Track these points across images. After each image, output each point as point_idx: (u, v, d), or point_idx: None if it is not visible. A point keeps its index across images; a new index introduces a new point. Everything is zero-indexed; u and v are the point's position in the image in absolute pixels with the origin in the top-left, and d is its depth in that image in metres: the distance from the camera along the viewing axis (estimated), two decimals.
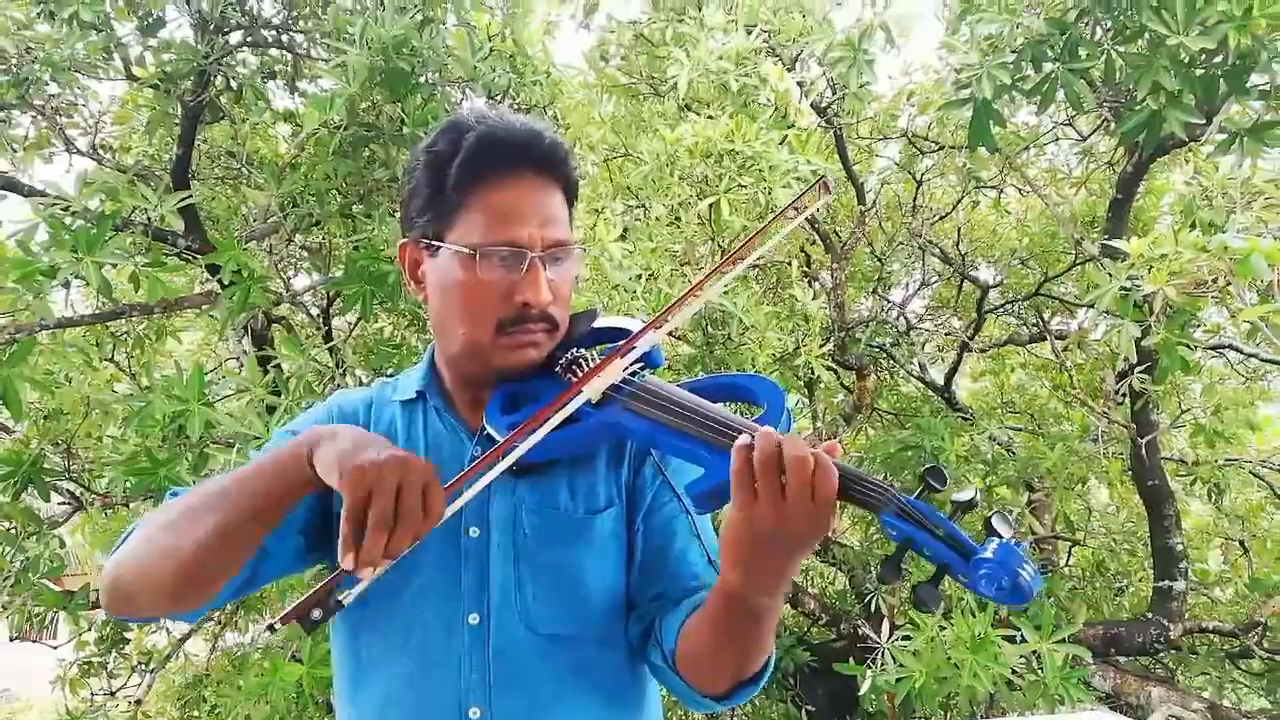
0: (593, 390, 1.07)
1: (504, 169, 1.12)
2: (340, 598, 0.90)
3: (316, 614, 0.88)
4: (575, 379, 1.12)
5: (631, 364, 1.11)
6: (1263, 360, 5.10)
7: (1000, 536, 0.85)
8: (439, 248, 1.15)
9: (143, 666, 4.29)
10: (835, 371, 5.68)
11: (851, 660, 3.34)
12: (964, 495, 0.88)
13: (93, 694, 4.25)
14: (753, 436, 0.90)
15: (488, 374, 1.17)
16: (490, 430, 1.13)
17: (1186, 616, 4.38)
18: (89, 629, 4.13)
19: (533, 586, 1.13)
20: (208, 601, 1.04)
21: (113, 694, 4.23)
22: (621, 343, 1.11)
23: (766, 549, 0.89)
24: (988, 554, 0.83)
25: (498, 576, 1.13)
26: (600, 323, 1.26)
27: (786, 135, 3.67)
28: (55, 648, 3.90)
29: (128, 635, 4.27)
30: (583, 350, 1.19)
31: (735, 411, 1.05)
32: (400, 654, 1.13)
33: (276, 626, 0.88)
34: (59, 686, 4.21)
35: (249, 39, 3.28)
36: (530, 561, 1.14)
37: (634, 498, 1.20)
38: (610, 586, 1.17)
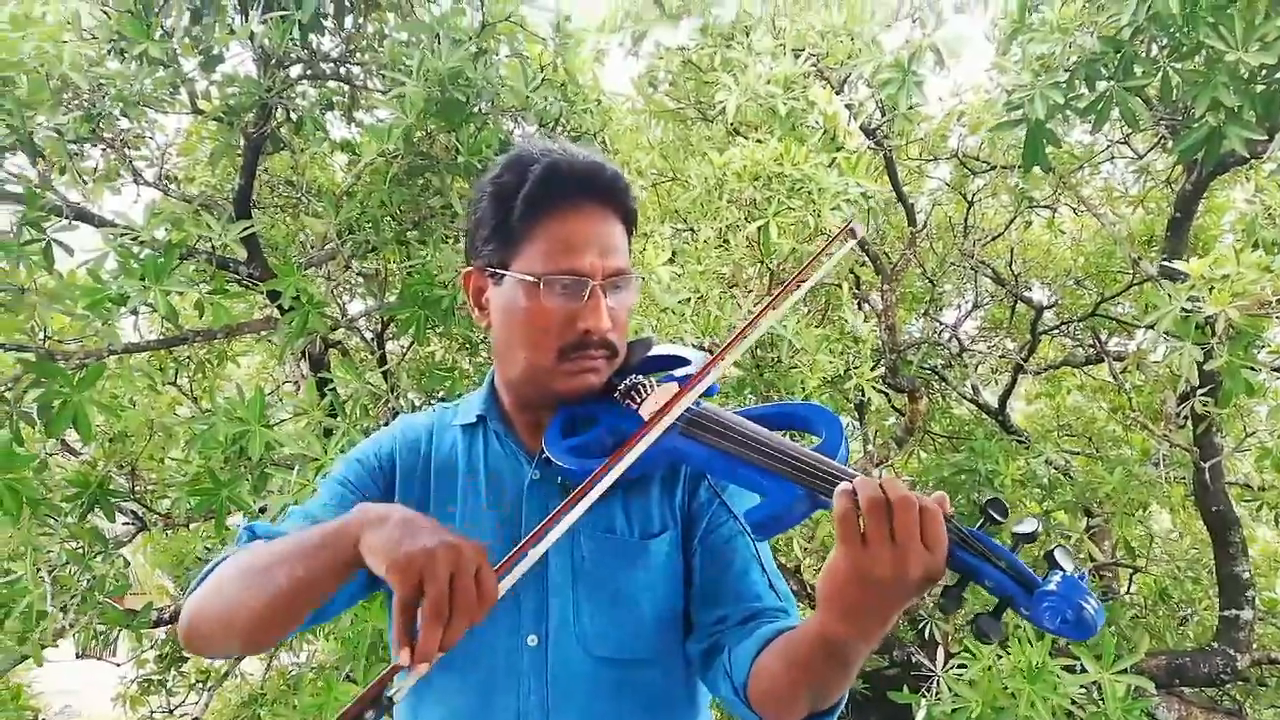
0: (669, 419, 1.07)
1: (567, 200, 1.16)
2: (392, 693, 0.86)
3: (370, 715, 0.85)
4: (634, 405, 1.15)
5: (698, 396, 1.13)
6: None
7: (1063, 569, 0.85)
8: (504, 276, 1.18)
9: (200, 685, 4.37)
10: (886, 394, 5.63)
11: (905, 689, 3.28)
12: (1025, 527, 0.88)
13: (152, 711, 4.34)
14: (852, 480, 0.89)
15: (548, 398, 1.20)
16: (549, 454, 1.15)
17: (1254, 646, 4.24)
18: (150, 647, 4.22)
19: (590, 609, 1.15)
20: (278, 642, 1.07)
21: (171, 711, 4.32)
22: (692, 377, 1.12)
23: (875, 594, 0.87)
24: (1051, 587, 0.83)
25: (556, 600, 1.16)
26: (656, 350, 1.28)
27: (835, 158, 3.67)
28: (117, 665, 3.99)
29: (186, 654, 4.36)
30: (640, 377, 1.21)
31: (791, 439, 1.06)
32: (460, 675, 1.15)
33: None
34: (120, 704, 4.31)
35: (309, 72, 3.37)
36: (587, 585, 1.16)
37: (690, 521, 1.22)
38: (665, 609, 1.18)
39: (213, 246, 2.83)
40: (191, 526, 3.76)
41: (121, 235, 2.71)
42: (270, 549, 1.04)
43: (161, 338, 3.25)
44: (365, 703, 0.86)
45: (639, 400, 1.16)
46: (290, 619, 1.02)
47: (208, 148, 3.74)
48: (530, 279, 1.14)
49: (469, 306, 1.27)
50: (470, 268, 1.25)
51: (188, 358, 4.18)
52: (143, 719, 4.37)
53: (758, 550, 1.19)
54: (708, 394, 1.17)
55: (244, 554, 1.08)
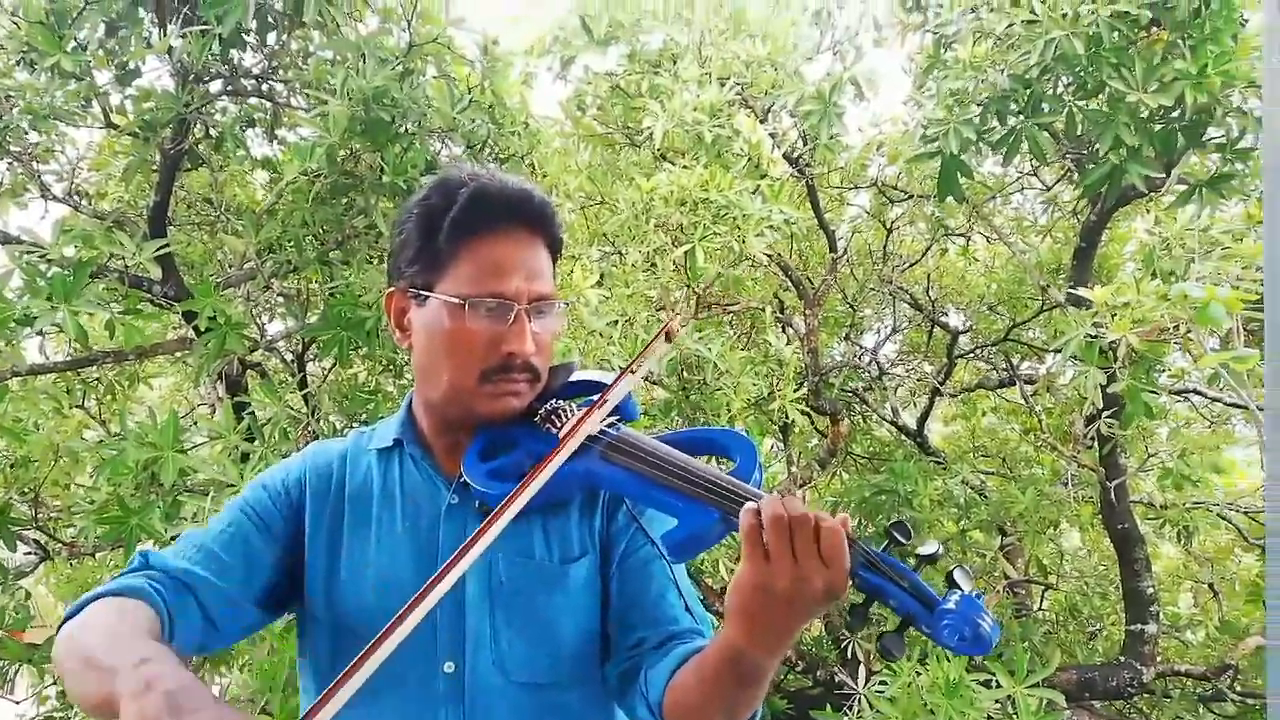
0: (576, 441, 1.09)
1: (495, 224, 1.17)
2: None
3: None
4: (554, 429, 1.15)
5: (609, 415, 1.15)
6: (1226, 404, 5.21)
7: (961, 589, 0.89)
8: (428, 297, 1.17)
9: None
10: (809, 416, 5.73)
11: (829, 707, 3.33)
12: (927, 549, 0.93)
13: None
14: (757, 501, 0.93)
15: (469, 420, 1.19)
16: (467, 477, 1.15)
17: (1159, 660, 4.42)
18: (52, 683, 4.02)
19: (508, 635, 1.15)
20: None
21: None
22: (598, 395, 1.15)
23: (777, 607, 0.91)
24: (950, 605, 0.88)
25: (474, 625, 1.15)
26: (577, 375, 1.29)
27: (759, 185, 3.74)
28: (15, 703, 3.79)
29: None
30: (561, 402, 1.22)
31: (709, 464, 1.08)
32: (374, 704, 1.12)
33: None
34: None
35: (229, 88, 3.31)
36: (506, 610, 1.16)
37: (609, 545, 1.22)
38: (584, 632, 1.19)
39: (125, 265, 2.74)
40: (98, 556, 3.61)
41: (28, 252, 2.61)
42: (94, 639, 0.98)
43: (70, 359, 3.13)
44: None
45: (559, 425, 1.16)
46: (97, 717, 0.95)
47: (121, 163, 3.63)
48: (455, 300, 1.14)
49: (390, 327, 1.27)
50: (393, 288, 1.24)
51: (96, 379, 4.02)
52: None
53: (674, 574, 1.20)
54: (628, 419, 1.19)
55: (95, 621, 1.02)
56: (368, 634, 0.92)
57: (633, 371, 1.18)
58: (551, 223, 1.22)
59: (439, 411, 1.23)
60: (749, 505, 0.93)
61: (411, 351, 1.24)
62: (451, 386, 1.17)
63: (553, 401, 1.22)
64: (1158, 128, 3.27)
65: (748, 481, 1.02)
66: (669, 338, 1.21)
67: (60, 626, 1.05)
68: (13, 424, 3.07)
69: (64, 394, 3.76)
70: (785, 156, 4.47)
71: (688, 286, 3.99)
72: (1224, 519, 5.59)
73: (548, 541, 1.20)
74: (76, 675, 0.96)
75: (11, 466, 3.59)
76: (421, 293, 1.18)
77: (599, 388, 1.25)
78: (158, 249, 2.60)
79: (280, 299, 3.43)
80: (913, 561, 0.93)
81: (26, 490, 3.47)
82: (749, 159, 4.02)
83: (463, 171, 1.21)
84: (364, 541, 1.20)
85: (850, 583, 0.91)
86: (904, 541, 0.94)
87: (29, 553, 3.67)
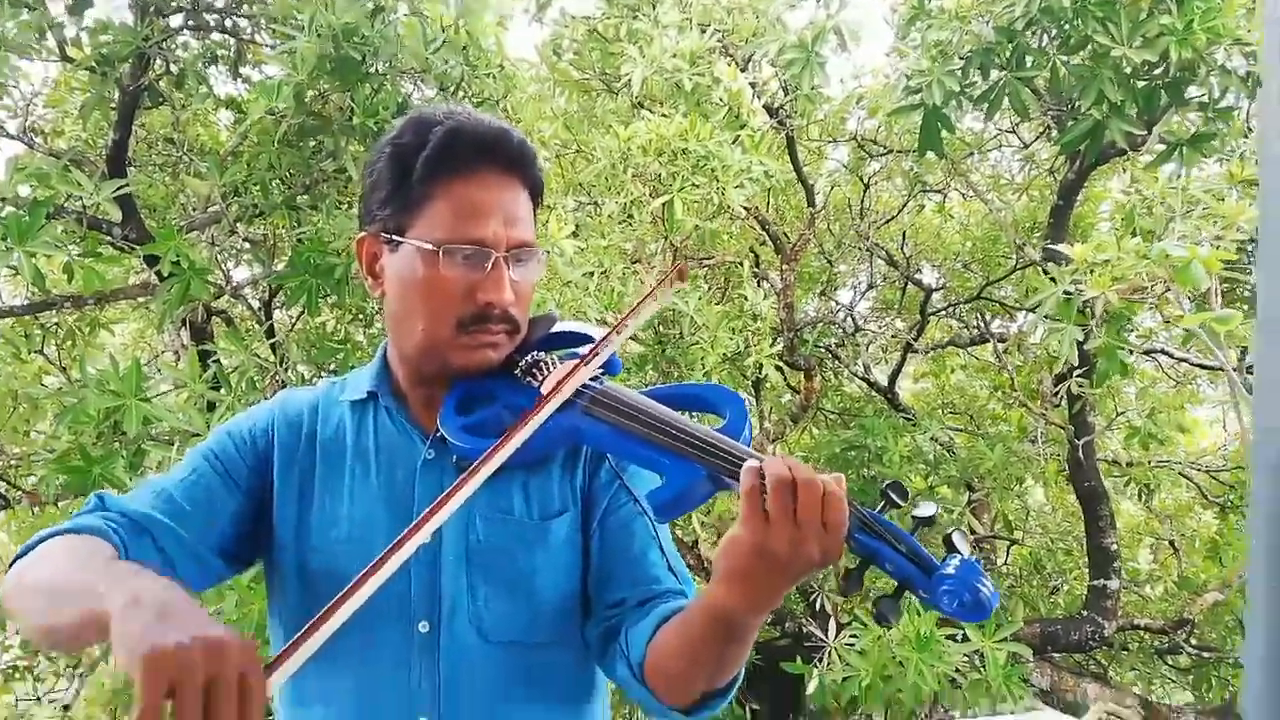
0: (562, 396, 1.04)
1: (471, 165, 1.10)
2: None
3: None
4: (535, 383, 1.10)
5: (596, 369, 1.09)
6: (1193, 365, 5.27)
7: (960, 553, 0.86)
8: (400, 243, 1.12)
9: (71, 671, 4.14)
10: (783, 371, 5.73)
11: (798, 659, 3.36)
12: (924, 511, 0.89)
13: (18, 700, 4.09)
14: (760, 459, 0.89)
15: (444, 373, 1.14)
16: (443, 432, 1.10)
17: (1119, 614, 4.51)
18: (15, 632, 3.97)
19: (485, 593, 1.11)
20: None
21: (39, 699, 4.08)
22: (587, 349, 1.09)
23: (771, 569, 0.87)
24: (949, 570, 0.85)
25: (449, 584, 1.10)
26: (559, 327, 1.23)
27: (739, 136, 3.67)
28: None
29: None
30: (542, 354, 1.16)
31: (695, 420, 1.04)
32: (346, 664, 1.09)
33: None
34: None
35: (190, 22, 3.18)
36: (483, 568, 1.11)
37: (590, 502, 1.18)
38: (564, 592, 1.15)
39: (83, 206, 2.63)
40: (60, 505, 3.54)
41: None
42: (56, 568, 0.95)
43: (28, 303, 3.03)
44: None
45: (540, 378, 1.11)
46: (67, 646, 0.94)
47: (78, 99, 3.50)
48: (429, 247, 1.08)
49: (362, 275, 1.20)
50: (364, 233, 1.18)
51: (56, 324, 3.91)
52: (7, 708, 4.12)
53: (657, 532, 1.16)
54: (611, 373, 1.14)
55: (52, 553, 0.98)
56: (338, 589, 0.87)
57: (627, 325, 1.11)
58: (532, 165, 1.16)
59: (414, 363, 1.17)
60: (751, 464, 0.88)
61: (384, 300, 1.18)
62: (426, 337, 1.11)
63: (533, 354, 1.16)
64: (1141, 84, 3.24)
65: (737, 439, 0.97)
66: (681, 277, 1.15)
67: (10, 565, 1.00)
68: None
69: (22, 339, 3.65)
70: (765, 107, 4.40)
71: (665, 239, 3.93)
72: (1185, 477, 5.70)
73: (527, 498, 1.15)
74: (39, 608, 0.92)
75: None
76: (394, 238, 1.12)
77: (581, 340, 1.20)
78: (115, 189, 2.50)
79: (246, 244, 3.33)
80: (909, 524, 0.90)
81: None
82: (729, 109, 3.95)
83: (438, 110, 1.14)
84: (336, 495, 1.15)
85: (845, 546, 0.88)
86: (900, 503, 0.90)
87: None
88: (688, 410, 1.10)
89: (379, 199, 1.14)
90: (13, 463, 3.40)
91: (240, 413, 1.28)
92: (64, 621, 0.88)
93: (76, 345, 3.92)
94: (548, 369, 1.12)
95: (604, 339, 1.10)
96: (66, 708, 4.12)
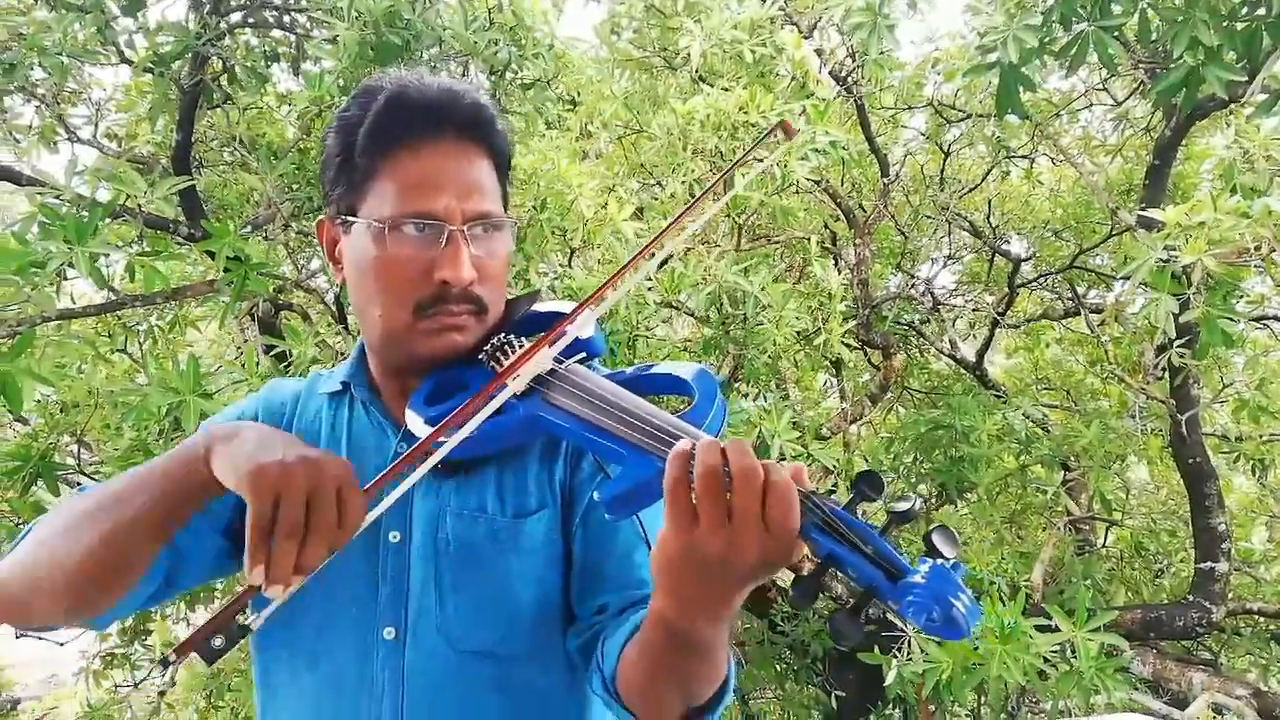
0: (520, 381, 0.94)
1: (417, 133, 1.02)
2: (246, 622, 0.78)
3: (219, 642, 0.77)
4: (498, 368, 1.01)
5: (562, 351, 0.98)
6: None
7: (941, 556, 0.70)
8: (352, 223, 1.05)
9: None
10: (865, 350, 5.54)
11: (876, 649, 3.23)
12: (902, 505, 0.73)
13: (116, 685, 4.25)
14: (692, 442, 0.75)
15: (411, 362, 1.06)
16: (410, 425, 1.01)
17: (1230, 598, 4.22)
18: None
19: (455, 598, 1.03)
20: (109, 611, 0.96)
21: (136, 685, 4.23)
22: (550, 330, 0.98)
23: (708, 577, 0.75)
24: (918, 578, 0.68)
25: (417, 587, 1.03)
26: (540, 307, 1.14)
27: (804, 106, 3.53)
28: (61, 644, 3.87)
29: (150, 626, 4.26)
30: (511, 337, 1.07)
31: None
32: (308, 673, 1.04)
33: (172, 659, 0.79)
34: (84, 679, 4.22)
35: (249, 20, 3.20)
36: (453, 570, 1.03)
37: (571, 499, 1.08)
38: (542, 598, 1.05)
39: (138, 206, 2.67)
40: None
41: (41, 194, 2.56)
42: (101, 490, 0.93)
43: (100, 303, 3.10)
44: (213, 628, 0.78)
45: (503, 363, 1.02)
46: (118, 572, 0.90)
47: (148, 102, 3.57)
48: (378, 224, 1.01)
49: (325, 262, 1.15)
50: (321, 217, 1.12)
51: (137, 324, 4.02)
52: (107, 693, 4.29)
53: (645, 530, 1.04)
54: (593, 355, 1.05)
55: (68, 503, 0.96)
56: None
57: (594, 303, 1.01)
58: (489, 128, 1.06)
59: (380, 354, 1.11)
60: (679, 448, 0.75)
61: (344, 287, 1.12)
62: (385, 324, 1.04)
63: (500, 336, 1.07)
64: (1240, 26, 2.97)
65: (699, 426, 0.85)
66: (787, 133, 1.04)
67: (14, 547, 0.97)
68: (53, 370, 3.06)
69: (102, 339, 3.76)
70: (832, 75, 4.23)
71: (729, 216, 3.82)
72: None
73: (501, 495, 1.06)
74: (85, 533, 0.89)
75: (62, 411, 3.61)
76: (346, 218, 1.05)
77: (561, 319, 1.11)
78: (171, 188, 2.52)
79: (304, 238, 3.35)
80: (884, 520, 0.74)
81: (73, 435, 3.50)
82: (793, 79, 3.80)
83: (385, 78, 1.06)
84: None
85: (804, 548, 0.74)
86: (873, 496, 0.74)
87: None
88: (658, 393, 0.98)
89: (329, 178, 1.08)
90: (94, 461, 3.52)
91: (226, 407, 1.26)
92: (132, 514, 0.87)
93: (158, 343, 4.02)
94: (515, 351, 1.03)
95: (570, 316, 0.99)
96: (162, 693, 4.26)
